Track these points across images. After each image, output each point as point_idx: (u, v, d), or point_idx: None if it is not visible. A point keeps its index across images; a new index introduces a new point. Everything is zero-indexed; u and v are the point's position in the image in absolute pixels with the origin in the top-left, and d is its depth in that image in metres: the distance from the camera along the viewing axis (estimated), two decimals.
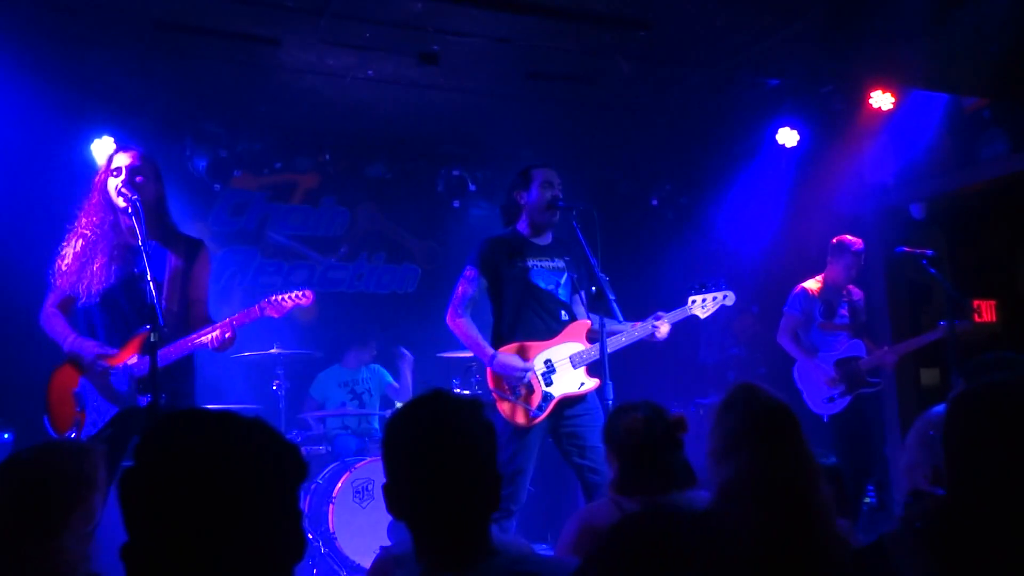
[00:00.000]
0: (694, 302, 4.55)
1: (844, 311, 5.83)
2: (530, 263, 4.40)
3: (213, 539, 1.27)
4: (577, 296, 4.53)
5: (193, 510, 1.26)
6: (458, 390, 6.10)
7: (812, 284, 5.86)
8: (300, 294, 4.02)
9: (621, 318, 4.22)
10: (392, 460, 1.81)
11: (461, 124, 7.10)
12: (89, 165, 6.32)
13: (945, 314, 5.37)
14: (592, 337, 4.38)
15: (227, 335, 3.87)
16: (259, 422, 1.38)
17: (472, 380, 6.11)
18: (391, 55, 5.76)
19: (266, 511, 1.31)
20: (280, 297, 3.98)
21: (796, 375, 5.81)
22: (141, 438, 1.34)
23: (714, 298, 4.57)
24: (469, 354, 5.93)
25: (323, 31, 5.38)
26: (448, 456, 1.76)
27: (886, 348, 5.80)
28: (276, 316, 4.03)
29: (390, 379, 6.79)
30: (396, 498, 1.79)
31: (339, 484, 5.43)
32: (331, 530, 5.34)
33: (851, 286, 5.88)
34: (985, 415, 1.84)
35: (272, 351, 6.01)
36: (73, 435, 3.86)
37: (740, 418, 2.00)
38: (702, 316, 4.58)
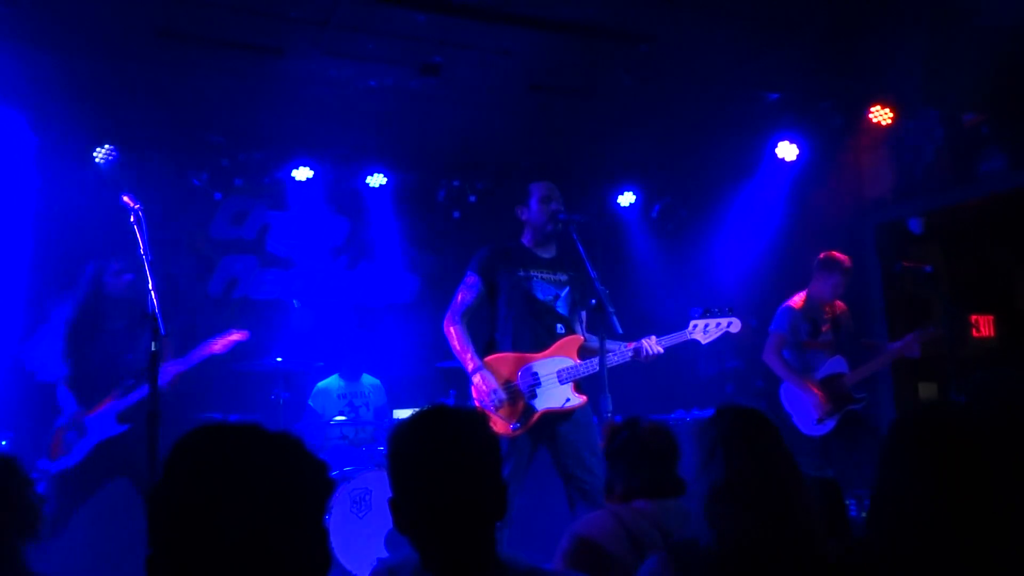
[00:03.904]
0: (695, 326, 4.41)
1: (827, 328, 5.77)
2: (530, 273, 4.42)
3: (238, 553, 1.26)
4: (577, 312, 4.52)
5: (219, 523, 1.26)
6: (452, 401, 6.10)
7: (797, 301, 5.77)
8: (237, 333, 5.15)
9: (620, 331, 4.22)
10: (397, 475, 1.82)
11: (462, 135, 7.11)
12: (91, 174, 6.35)
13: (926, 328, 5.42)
14: (584, 353, 4.37)
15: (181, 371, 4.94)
16: (288, 436, 1.37)
17: (469, 391, 6.09)
18: (393, 66, 5.78)
19: (292, 527, 1.30)
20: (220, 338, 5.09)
21: (783, 397, 5.73)
22: (170, 451, 1.34)
23: (717, 324, 4.42)
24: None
25: (326, 41, 5.40)
26: (453, 469, 1.77)
27: (880, 354, 5.74)
28: (219, 352, 5.09)
29: (384, 401, 6.78)
30: (402, 512, 1.79)
31: (336, 494, 5.42)
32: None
33: (836, 301, 5.82)
34: (919, 442, 1.68)
35: (273, 361, 6.01)
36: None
37: (718, 427, 2.04)
38: (703, 342, 4.43)
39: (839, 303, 5.83)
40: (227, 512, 1.26)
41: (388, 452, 1.85)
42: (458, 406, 2.00)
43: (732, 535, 1.90)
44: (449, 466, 1.77)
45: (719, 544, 1.90)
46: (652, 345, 4.29)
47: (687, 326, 4.42)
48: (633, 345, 4.30)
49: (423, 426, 1.85)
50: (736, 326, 4.45)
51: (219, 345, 5.08)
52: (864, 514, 5.70)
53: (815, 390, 5.54)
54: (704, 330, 4.41)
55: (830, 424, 5.53)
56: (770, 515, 1.91)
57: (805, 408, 5.59)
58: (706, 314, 4.42)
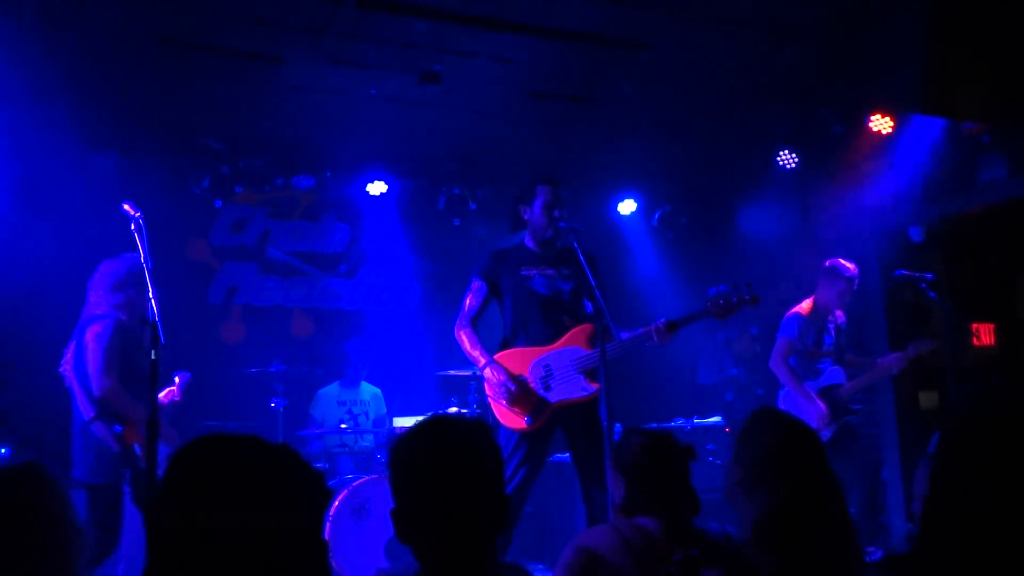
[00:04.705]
0: (710, 303, 4.26)
1: (830, 337, 5.74)
2: (532, 272, 4.48)
3: (236, 566, 1.25)
4: (582, 303, 4.51)
5: (217, 536, 1.25)
6: (454, 409, 6.09)
7: (804, 308, 5.73)
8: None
9: (622, 339, 4.22)
10: (399, 485, 1.81)
11: (462, 142, 7.12)
12: (92, 181, 6.35)
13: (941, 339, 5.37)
14: (594, 342, 4.36)
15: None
16: (286, 448, 1.37)
17: (469, 398, 6.10)
18: (393, 74, 5.79)
19: (291, 539, 1.29)
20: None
21: (782, 405, 5.64)
22: (169, 462, 1.33)
23: (735, 298, 4.25)
24: (467, 372, 5.95)
25: (326, 49, 5.41)
26: (455, 479, 1.76)
27: (878, 365, 5.73)
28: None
29: (384, 411, 6.77)
30: (404, 523, 1.78)
31: (336, 503, 5.41)
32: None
33: (837, 310, 5.79)
34: (976, 450, 1.69)
35: (273, 368, 6.01)
36: None
37: (768, 444, 1.98)
38: (721, 318, 4.29)
39: (839, 312, 5.81)
40: (225, 525, 1.25)
41: (390, 462, 1.85)
42: (459, 416, 1.99)
43: (794, 559, 1.86)
44: (451, 476, 1.76)
45: (779, 569, 1.85)
46: (663, 333, 4.21)
47: (703, 304, 4.29)
48: (644, 329, 4.23)
49: (425, 436, 1.84)
50: (754, 300, 4.27)
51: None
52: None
53: (819, 401, 5.51)
54: (716, 306, 4.25)
55: (826, 435, 5.49)
56: (831, 537, 1.89)
57: (805, 418, 5.53)
58: (720, 290, 4.28)
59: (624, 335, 4.23)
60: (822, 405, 5.48)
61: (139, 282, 4.41)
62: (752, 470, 1.98)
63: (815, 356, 5.69)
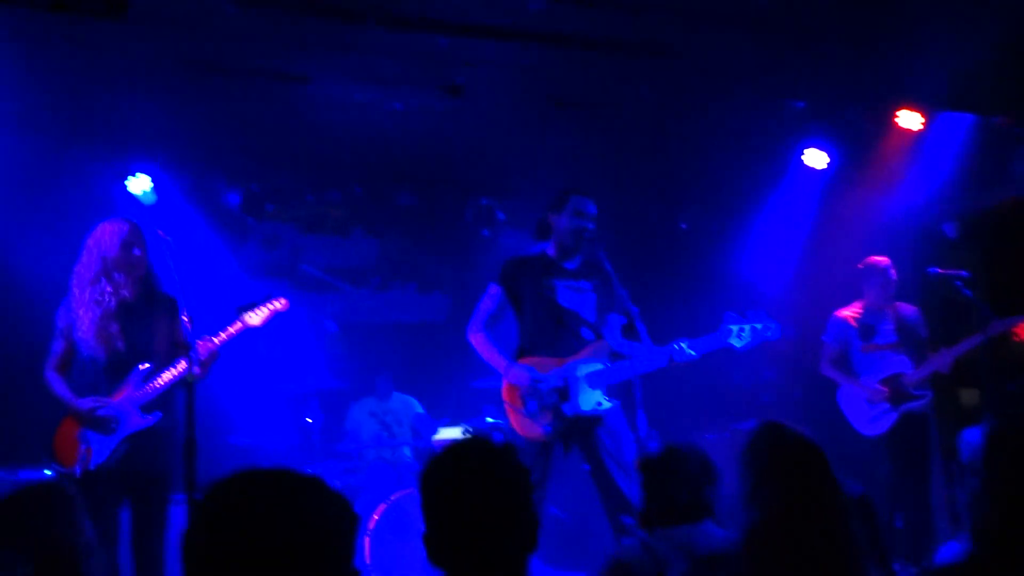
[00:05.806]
0: (730, 331, 4.21)
1: (888, 330, 5.77)
2: (554, 282, 4.43)
3: None
4: (604, 317, 4.50)
5: (251, 570, 1.28)
6: (490, 419, 6.09)
7: (848, 311, 5.86)
8: (276, 301, 4.33)
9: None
10: (430, 510, 1.84)
11: (488, 153, 7.13)
12: (124, 202, 6.45)
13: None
14: (614, 358, 4.36)
15: (212, 350, 4.09)
16: (316, 481, 1.40)
17: (503, 409, 6.10)
18: (417, 88, 5.83)
19: (323, 571, 1.33)
20: (258, 308, 4.28)
21: (841, 401, 5.79)
22: (203, 497, 1.38)
23: (753, 329, 4.19)
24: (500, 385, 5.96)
25: (351, 67, 5.46)
26: (486, 504, 1.78)
27: (942, 351, 5.65)
28: (258, 325, 4.28)
29: (419, 409, 6.79)
30: (435, 547, 1.81)
31: (375, 516, 5.43)
32: (367, 563, 5.34)
33: (898, 303, 5.82)
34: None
35: (306, 383, 6.06)
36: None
37: (766, 458, 2.00)
38: (738, 347, 4.22)
39: (902, 305, 5.80)
40: (258, 558, 1.28)
41: (420, 488, 1.87)
42: (488, 440, 2.00)
43: (783, 571, 1.87)
44: (482, 502, 1.78)
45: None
46: (685, 349, 4.21)
47: (722, 331, 4.24)
48: (665, 350, 4.22)
49: (454, 463, 1.86)
50: (774, 331, 4.23)
51: (258, 318, 4.33)
52: (901, 525, 5.62)
53: (869, 383, 5.58)
54: (739, 335, 4.20)
55: (888, 422, 5.51)
56: (815, 552, 1.89)
57: (860, 406, 5.64)
58: (741, 318, 4.23)
59: (650, 349, 4.19)
60: (874, 384, 5.55)
61: (113, 266, 4.17)
62: (752, 482, 2.00)
63: (870, 350, 5.74)
